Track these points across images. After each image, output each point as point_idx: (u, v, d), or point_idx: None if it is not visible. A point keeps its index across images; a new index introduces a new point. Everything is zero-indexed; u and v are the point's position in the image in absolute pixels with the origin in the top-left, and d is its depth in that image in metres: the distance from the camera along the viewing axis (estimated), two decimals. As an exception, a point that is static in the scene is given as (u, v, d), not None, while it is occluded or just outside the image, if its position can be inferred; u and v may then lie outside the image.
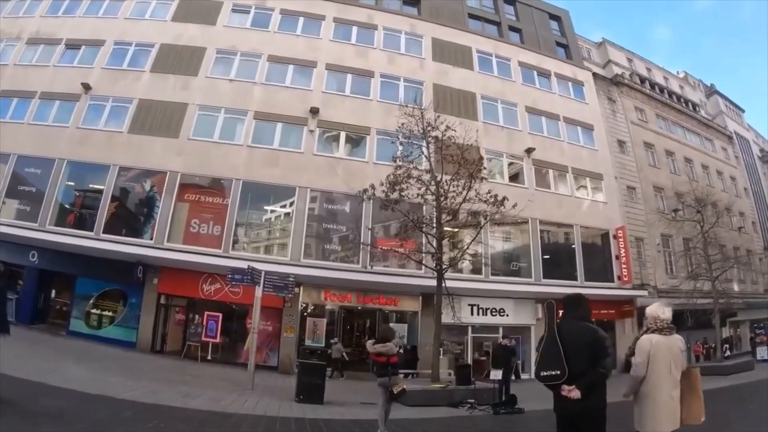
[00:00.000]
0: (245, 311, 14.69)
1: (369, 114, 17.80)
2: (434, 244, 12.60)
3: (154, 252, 14.43)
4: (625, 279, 18.96)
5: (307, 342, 14.78)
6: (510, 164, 19.30)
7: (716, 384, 11.21)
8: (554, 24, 25.51)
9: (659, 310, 3.34)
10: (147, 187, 15.90)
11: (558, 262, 18.54)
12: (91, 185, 16.17)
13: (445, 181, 12.54)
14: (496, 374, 10.34)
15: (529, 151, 19.26)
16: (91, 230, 15.04)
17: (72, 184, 16.03)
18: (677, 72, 35.73)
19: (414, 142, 13.09)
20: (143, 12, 18.86)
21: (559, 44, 24.79)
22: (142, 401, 6.90)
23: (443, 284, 12.31)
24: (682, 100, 32.01)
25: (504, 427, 8.29)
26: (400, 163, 12.81)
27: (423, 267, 14.27)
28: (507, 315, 17.04)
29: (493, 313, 16.89)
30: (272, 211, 16.48)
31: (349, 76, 18.53)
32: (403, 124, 12.72)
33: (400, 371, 7.48)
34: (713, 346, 20.66)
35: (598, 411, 3.11)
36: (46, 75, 17.33)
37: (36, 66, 17.65)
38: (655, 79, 31.06)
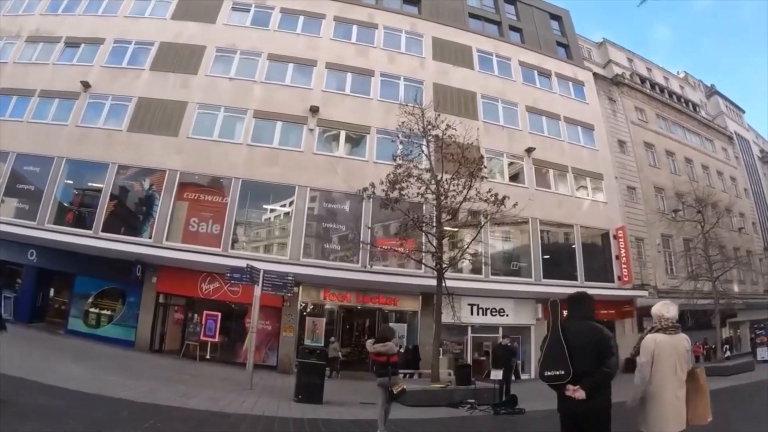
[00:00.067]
0: (244, 310, 14.63)
1: (369, 113, 17.75)
2: (434, 243, 12.56)
3: (152, 251, 14.36)
4: (626, 279, 18.92)
5: (307, 341, 14.70)
6: (510, 164, 19.27)
7: (717, 385, 11.13)
8: (555, 24, 25.49)
9: (664, 309, 3.29)
10: (146, 185, 15.85)
11: (558, 262, 18.51)
12: (90, 183, 16.10)
13: (446, 180, 12.50)
14: (497, 374, 10.29)
15: (529, 150, 19.22)
16: (90, 229, 14.98)
17: (71, 182, 15.98)
18: (677, 72, 35.74)
19: (414, 141, 13.06)
20: (143, 10, 18.81)
21: (559, 44, 24.77)
22: (139, 401, 6.84)
23: (443, 284, 12.26)
24: (683, 100, 32.00)
25: (505, 427, 8.24)
26: (400, 162, 12.77)
27: (423, 266, 14.24)
28: (507, 315, 17.00)
29: (493, 313, 16.86)
30: (272, 210, 16.41)
31: (349, 75, 18.48)
32: (403, 122, 12.68)
33: (402, 371, 7.43)
34: (713, 346, 20.64)
35: (603, 411, 3.06)
36: (46, 73, 17.27)
37: (35, 64, 17.58)
38: (655, 79, 31.04)
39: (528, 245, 18.12)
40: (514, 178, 19.14)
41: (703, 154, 28.57)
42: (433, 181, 12.57)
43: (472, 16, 23.12)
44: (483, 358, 16.15)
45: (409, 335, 15.97)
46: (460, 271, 15.76)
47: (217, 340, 14.66)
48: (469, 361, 15.73)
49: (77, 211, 15.80)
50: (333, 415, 7.87)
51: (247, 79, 17.46)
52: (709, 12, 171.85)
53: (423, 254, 13.63)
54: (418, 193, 12.52)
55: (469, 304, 16.16)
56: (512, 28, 23.69)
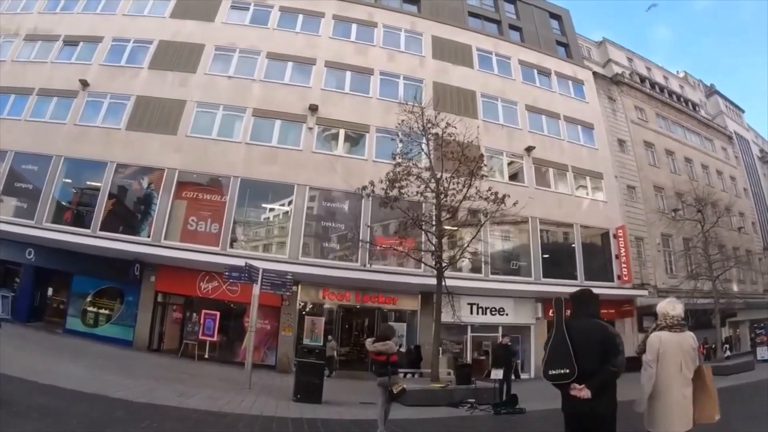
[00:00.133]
0: (243, 310, 14.55)
1: (368, 111, 17.70)
2: (434, 242, 12.51)
3: (151, 250, 14.31)
4: (625, 278, 18.89)
5: (306, 341, 14.64)
6: (510, 163, 19.23)
7: (717, 384, 10.94)
8: (554, 23, 25.46)
9: (669, 306, 3.23)
10: (144, 184, 15.79)
11: (558, 262, 18.48)
12: (88, 182, 16.03)
13: (445, 179, 12.45)
14: (497, 374, 10.25)
15: (529, 149, 19.19)
16: (88, 228, 14.93)
17: (69, 181, 15.93)
18: (677, 72, 35.72)
19: (414, 139, 13.00)
20: (141, 9, 18.75)
21: (559, 43, 24.75)
22: (137, 400, 6.78)
23: (443, 283, 12.21)
24: (682, 99, 31.99)
25: (505, 427, 8.19)
26: (400, 161, 12.72)
27: (422, 265, 14.19)
28: (507, 314, 16.97)
29: (493, 312, 16.82)
30: (270, 209, 16.36)
31: (349, 74, 18.43)
32: (402, 121, 12.63)
33: (403, 371, 7.37)
34: (713, 346, 20.62)
35: (608, 411, 2.99)
36: (44, 71, 17.20)
37: (33, 62, 17.51)
38: (655, 78, 31.02)
39: (528, 244, 18.08)
40: (514, 177, 19.09)
41: (702, 154, 28.57)
42: (432, 180, 12.52)
43: (472, 14, 23.08)
44: (482, 358, 16.11)
45: (408, 335, 15.93)
46: (460, 270, 15.71)
47: (215, 339, 14.62)
48: (469, 360, 15.70)
49: (75, 210, 15.75)
50: (332, 415, 7.81)
51: (246, 78, 17.40)
52: (709, 12, 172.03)
53: (422, 253, 13.57)
54: (417, 192, 12.46)
55: (468, 304, 16.13)
56: (512, 27, 23.67)
